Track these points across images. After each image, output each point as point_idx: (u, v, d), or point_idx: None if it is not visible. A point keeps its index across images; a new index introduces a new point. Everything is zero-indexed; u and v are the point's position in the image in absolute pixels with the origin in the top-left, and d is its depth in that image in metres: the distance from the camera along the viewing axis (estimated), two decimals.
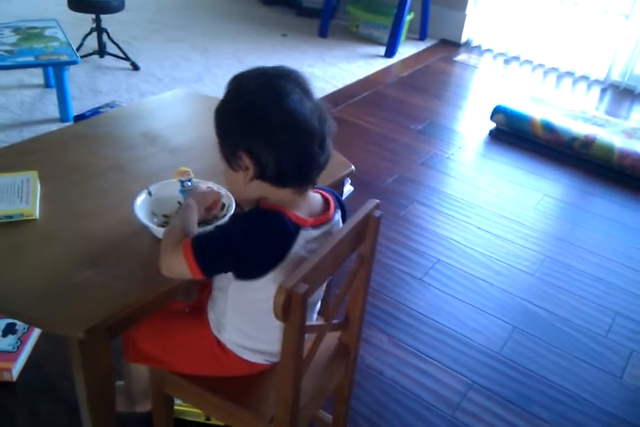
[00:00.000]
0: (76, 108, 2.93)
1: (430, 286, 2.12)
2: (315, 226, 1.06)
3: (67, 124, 2.87)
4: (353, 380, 1.41)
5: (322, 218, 1.08)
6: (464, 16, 4.13)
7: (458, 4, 4.10)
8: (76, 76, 3.24)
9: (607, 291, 2.17)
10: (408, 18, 3.94)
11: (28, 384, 1.63)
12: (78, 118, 2.72)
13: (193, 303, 1.34)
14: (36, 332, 1.79)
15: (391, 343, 1.88)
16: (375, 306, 1.99)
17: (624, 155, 2.78)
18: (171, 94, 1.85)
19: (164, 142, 1.51)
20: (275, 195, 1.05)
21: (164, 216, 1.26)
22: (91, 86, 3.25)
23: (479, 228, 2.43)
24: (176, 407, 1.53)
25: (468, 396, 1.73)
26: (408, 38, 4.19)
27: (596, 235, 2.47)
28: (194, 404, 1.34)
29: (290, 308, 0.93)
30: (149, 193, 1.24)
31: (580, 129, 2.94)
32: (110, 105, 2.80)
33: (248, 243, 1.01)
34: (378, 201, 1.12)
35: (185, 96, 1.87)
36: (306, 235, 1.05)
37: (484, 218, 2.49)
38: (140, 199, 1.22)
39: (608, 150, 2.81)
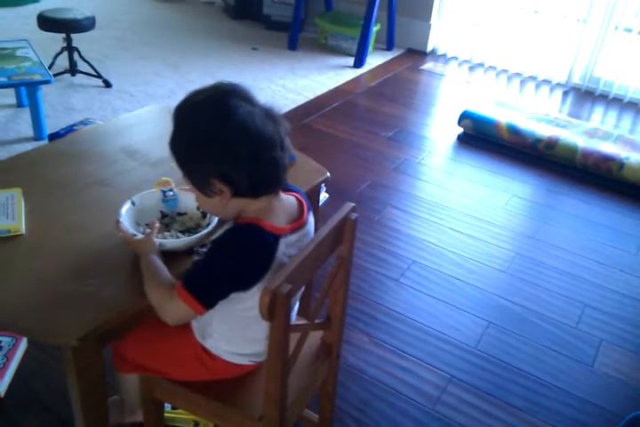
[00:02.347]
0: (50, 126, 2.96)
1: (407, 287, 2.19)
2: (292, 231, 1.10)
3: (41, 142, 2.89)
4: (337, 378, 1.47)
5: (298, 223, 1.12)
6: (429, 26, 4.26)
7: (422, 14, 4.23)
8: (48, 95, 3.27)
9: (576, 284, 2.27)
10: (375, 29, 4.05)
11: (16, 400, 1.66)
12: (53, 136, 2.75)
13: None
14: (22, 348, 1.81)
15: (372, 343, 1.94)
16: (355, 308, 2.06)
17: (586, 154, 2.90)
18: (146, 110, 1.90)
19: (143, 156, 1.56)
20: (252, 205, 1.08)
21: (147, 225, 1.30)
22: (64, 104, 3.27)
23: (452, 229, 2.52)
24: (166, 415, 1.57)
25: (448, 390, 1.80)
26: (375, 49, 4.29)
27: (562, 231, 2.57)
28: (184, 407, 1.38)
29: (275, 307, 0.99)
30: (133, 203, 1.28)
31: (543, 131, 3.05)
32: (84, 122, 2.83)
33: (235, 267, 1.05)
34: (353, 204, 1.18)
35: (160, 111, 1.92)
36: (286, 242, 1.08)
37: (456, 219, 2.58)
38: (125, 209, 1.26)
39: (571, 150, 2.93)
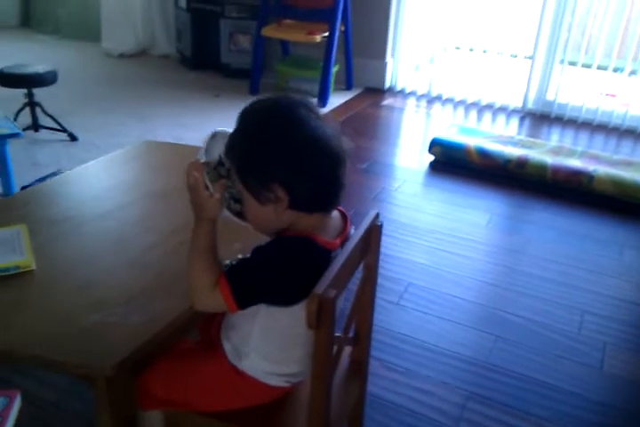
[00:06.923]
0: (18, 182, 2.88)
1: (408, 308, 2.18)
2: (341, 245, 1.08)
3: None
4: (365, 398, 1.43)
5: (343, 236, 1.10)
6: (385, 64, 4.42)
7: (377, 53, 4.39)
8: (12, 152, 3.19)
9: (569, 292, 2.30)
10: (334, 70, 4.18)
11: None
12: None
13: (201, 341, 1.33)
14: (16, 406, 1.70)
15: (383, 367, 1.90)
16: None
17: (556, 170, 3.01)
18: (135, 147, 1.89)
19: (146, 189, 1.54)
20: (304, 221, 1.05)
21: (205, 163, 1.08)
22: (30, 160, 3.21)
23: (440, 249, 2.54)
24: None
25: (468, 406, 1.77)
26: (335, 89, 4.41)
27: (546, 244, 2.63)
28: None
29: (321, 314, 0.96)
30: (213, 136, 1.11)
31: (512, 151, 3.17)
32: (55, 173, 2.79)
33: (282, 275, 1.01)
34: (377, 211, 1.19)
35: (150, 146, 1.91)
36: (335, 256, 1.05)
37: (443, 240, 2.61)
38: (206, 142, 1.09)
39: (542, 168, 3.04)
